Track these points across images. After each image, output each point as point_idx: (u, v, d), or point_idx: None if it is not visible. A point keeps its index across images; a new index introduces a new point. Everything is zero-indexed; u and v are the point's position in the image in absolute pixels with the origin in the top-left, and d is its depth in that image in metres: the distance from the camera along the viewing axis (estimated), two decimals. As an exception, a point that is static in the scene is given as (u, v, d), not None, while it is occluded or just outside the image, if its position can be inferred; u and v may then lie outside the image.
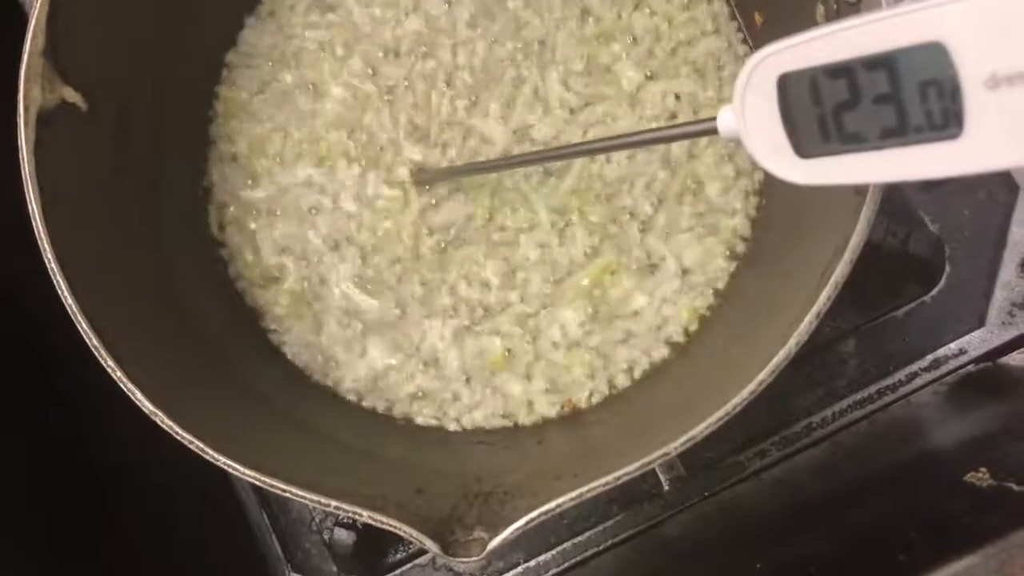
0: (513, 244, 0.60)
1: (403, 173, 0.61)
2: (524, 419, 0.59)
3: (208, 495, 0.69)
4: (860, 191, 0.44)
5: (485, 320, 0.60)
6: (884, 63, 0.33)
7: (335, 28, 0.63)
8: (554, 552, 0.65)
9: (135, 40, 0.56)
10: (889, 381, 0.64)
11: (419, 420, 0.59)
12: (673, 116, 0.61)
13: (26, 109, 0.48)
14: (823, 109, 0.35)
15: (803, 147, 0.37)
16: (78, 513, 0.62)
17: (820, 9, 0.50)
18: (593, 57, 0.61)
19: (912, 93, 0.32)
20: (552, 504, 0.43)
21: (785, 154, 0.37)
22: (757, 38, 0.61)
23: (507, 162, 0.58)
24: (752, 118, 0.38)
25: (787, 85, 0.36)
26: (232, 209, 0.62)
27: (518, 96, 0.61)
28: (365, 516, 0.44)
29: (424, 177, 0.60)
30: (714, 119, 0.41)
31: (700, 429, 0.43)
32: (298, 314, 0.61)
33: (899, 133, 0.33)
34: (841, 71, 0.34)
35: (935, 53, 0.31)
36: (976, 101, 0.30)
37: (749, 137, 0.39)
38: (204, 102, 0.64)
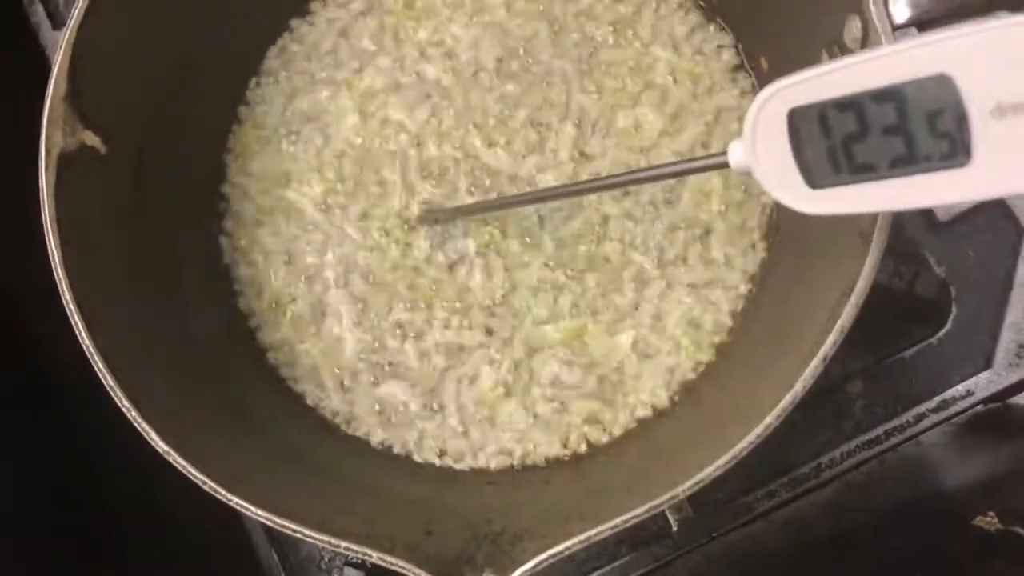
0: (513, 283, 0.61)
1: (412, 208, 0.62)
2: (529, 460, 0.59)
3: (217, 533, 0.69)
4: (865, 235, 0.44)
5: (482, 360, 0.60)
6: (891, 96, 0.34)
7: (352, 67, 0.65)
8: (563, 592, 0.65)
9: (153, 84, 0.57)
10: (897, 422, 0.64)
11: (426, 459, 0.60)
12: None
13: (48, 152, 0.49)
14: (833, 141, 0.36)
15: (814, 178, 0.37)
16: (82, 547, 0.62)
17: (824, 56, 0.51)
18: (609, 108, 0.62)
19: (920, 123, 0.33)
20: (561, 547, 0.43)
21: (797, 185, 0.38)
22: (764, 84, 0.62)
23: (514, 200, 0.59)
24: (763, 151, 0.39)
25: (797, 119, 0.37)
26: (244, 243, 0.63)
27: (531, 140, 0.62)
28: (375, 557, 0.44)
29: (432, 216, 0.61)
30: (724, 153, 0.42)
31: (708, 472, 0.43)
32: (306, 350, 0.61)
33: (909, 162, 0.34)
34: (849, 104, 0.35)
35: (941, 85, 0.32)
36: (983, 130, 0.31)
37: (760, 169, 0.40)
38: (219, 140, 0.65)
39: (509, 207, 0.60)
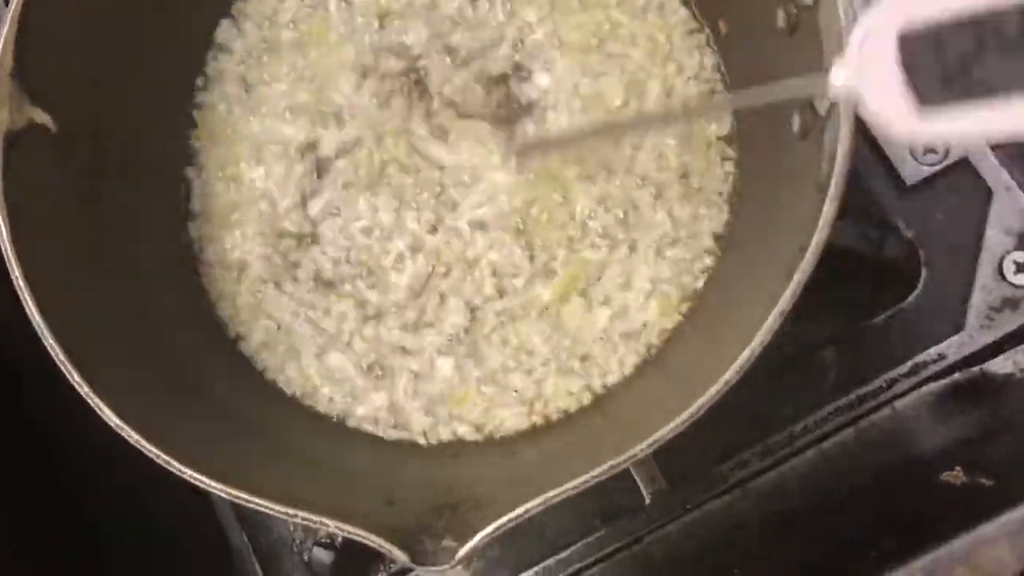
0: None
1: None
2: (496, 434, 0.58)
3: (187, 518, 0.69)
4: (822, 186, 0.44)
5: (452, 331, 0.60)
6: (1011, 12, 0.31)
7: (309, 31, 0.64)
8: (537, 568, 0.64)
9: (108, 62, 0.56)
10: (869, 388, 0.64)
11: (387, 434, 0.59)
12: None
13: (-7, 130, 0.48)
14: (948, 61, 0.34)
15: (927, 100, 0.35)
16: (54, 536, 0.62)
17: (780, 14, 0.51)
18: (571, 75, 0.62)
19: None
20: (520, 510, 0.43)
21: (907, 110, 0.36)
22: (724, 47, 0.61)
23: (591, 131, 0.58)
24: (871, 74, 0.36)
25: (908, 38, 0.35)
26: (207, 224, 0.63)
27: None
28: (332, 526, 0.44)
29: (528, 149, 0.60)
30: (824, 76, 0.39)
31: (666, 431, 0.43)
32: (264, 325, 0.61)
33: None
34: (966, 22, 0.33)
35: None
36: None
37: (866, 93, 0.37)
38: (180, 119, 0.64)
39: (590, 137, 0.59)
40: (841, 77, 0.38)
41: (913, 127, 0.36)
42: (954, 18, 0.33)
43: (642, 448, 0.43)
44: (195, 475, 0.44)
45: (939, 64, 0.34)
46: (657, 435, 0.43)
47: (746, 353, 0.43)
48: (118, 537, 0.65)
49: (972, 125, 0.34)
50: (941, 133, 0.36)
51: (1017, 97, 0.32)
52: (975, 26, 0.32)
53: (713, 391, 0.43)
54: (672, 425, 0.43)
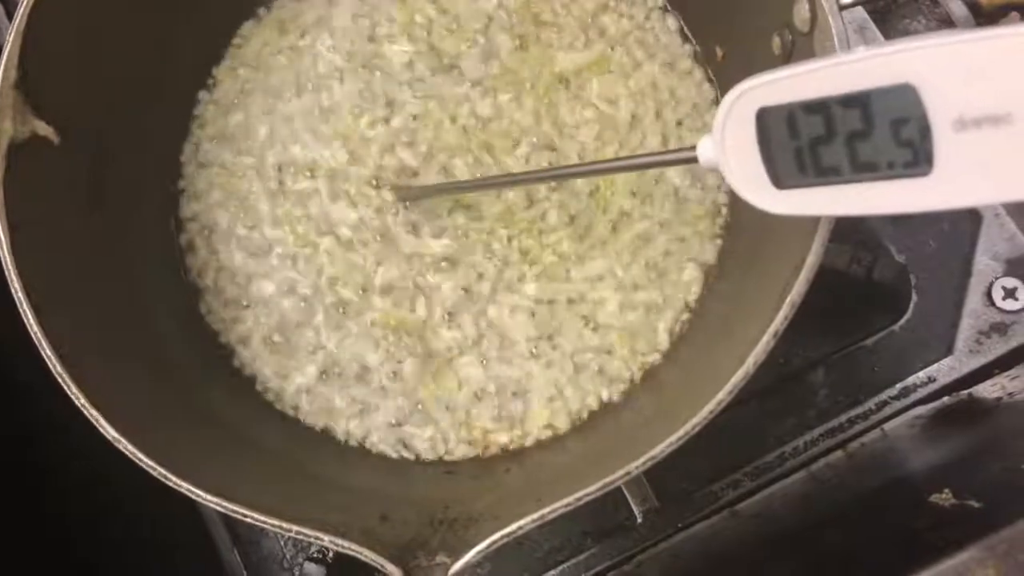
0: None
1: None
2: (489, 452, 0.59)
3: (178, 535, 0.68)
4: (815, 212, 0.44)
5: (444, 351, 0.60)
6: (858, 101, 0.34)
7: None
8: (528, 586, 0.65)
9: (110, 77, 0.57)
10: (859, 410, 0.65)
11: (383, 451, 0.59)
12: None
13: (-4, 140, 0.49)
14: (800, 142, 0.36)
15: (780, 178, 0.38)
16: (43, 554, 0.61)
17: (776, 41, 0.51)
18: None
19: (884, 131, 0.33)
20: (513, 527, 0.43)
21: (763, 184, 0.38)
22: (720, 73, 0.62)
23: (486, 183, 0.59)
24: (731, 149, 0.39)
25: (765, 118, 0.37)
26: (202, 243, 0.63)
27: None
28: (326, 541, 0.44)
29: (406, 193, 0.61)
30: (694, 148, 0.42)
31: (660, 449, 0.43)
32: (263, 343, 0.61)
33: (872, 168, 0.34)
34: (817, 107, 0.35)
35: (906, 94, 0.32)
36: (945, 141, 0.31)
37: (728, 167, 0.40)
38: (178, 138, 0.64)
39: (482, 189, 0.60)
40: (708, 150, 0.41)
41: (768, 202, 0.39)
42: (805, 102, 0.35)
43: (636, 466, 0.43)
44: (191, 488, 0.44)
45: (793, 145, 0.37)
46: (651, 453, 0.43)
47: (740, 373, 0.43)
48: (110, 556, 0.65)
49: (821, 205, 0.37)
50: (793, 210, 0.38)
51: (862, 182, 0.34)
52: (825, 112, 0.35)
53: (707, 410, 0.43)
54: (665, 444, 0.43)
